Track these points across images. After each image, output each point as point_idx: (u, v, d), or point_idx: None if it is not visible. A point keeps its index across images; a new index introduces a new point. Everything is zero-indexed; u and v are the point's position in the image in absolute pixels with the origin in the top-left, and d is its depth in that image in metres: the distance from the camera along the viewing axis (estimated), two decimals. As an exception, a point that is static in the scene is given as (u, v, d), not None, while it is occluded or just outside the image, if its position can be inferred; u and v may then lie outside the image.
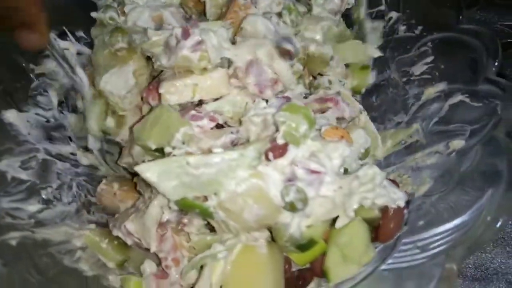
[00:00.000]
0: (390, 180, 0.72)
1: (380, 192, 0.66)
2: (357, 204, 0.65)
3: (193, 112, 0.71)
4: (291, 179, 0.63)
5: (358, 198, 0.66)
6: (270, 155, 0.63)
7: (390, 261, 0.64)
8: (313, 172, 0.64)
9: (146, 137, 0.69)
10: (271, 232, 0.67)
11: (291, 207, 0.63)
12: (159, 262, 0.68)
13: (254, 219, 0.64)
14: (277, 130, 0.65)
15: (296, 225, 0.64)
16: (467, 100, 0.74)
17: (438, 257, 0.58)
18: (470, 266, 0.90)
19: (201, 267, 0.66)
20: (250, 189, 0.63)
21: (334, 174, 0.64)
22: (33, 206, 0.69)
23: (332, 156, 0.65)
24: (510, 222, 0.94)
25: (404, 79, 0.85)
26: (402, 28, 0.88)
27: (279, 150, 0.63)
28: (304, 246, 0.67)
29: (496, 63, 0.72)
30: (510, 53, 1.16)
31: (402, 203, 0.67)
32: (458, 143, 0.71)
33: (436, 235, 0.62)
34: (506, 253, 0.91)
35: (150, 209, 0.67)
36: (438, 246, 0.60)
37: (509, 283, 0.88)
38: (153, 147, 0.69)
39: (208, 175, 0.63)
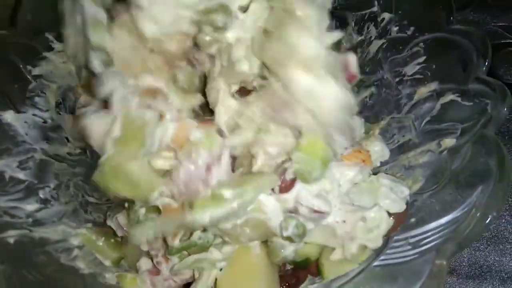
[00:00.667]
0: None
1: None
2: (357, 250, 0.65)
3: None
4: (292, 212, 0.63)
5: (359, 244, 0.65)
6: (276, 188, 0.61)
7: (382, 257, 0.65)
8: (316, 212, 0.63)
9: None
10: None
11: (288, 239, 0.62)
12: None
13: (249, 239, 0.64)
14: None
15: (291, 250, 0.64)
16: (458, 99, 0.75)
17: (429, 253, 0.59)
18: (464, 264, 0.91)
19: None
20: (249, 221, 0.62)
21: (339, 202, 0.64)
22: (30, 205, 0.70)
23: (342, 180, 0.65)
24: (503, 221, 0.96)
25: (397, 79, 0.86)
26: (395, 29, 0.89)
27: (286, 185, 0.61)
28: (299, 263, 0.68)
29: (486, 63, 0.73)
30: (504, 53, 1.18)
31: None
32: (449, 142, 0.72)
33: (427, 231, 0.63)
34: (500, 251, 0.92)
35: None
36: (429, 242, 0.61)
37: (503, 280, 0.89)
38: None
39: None
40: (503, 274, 0.90)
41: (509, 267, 0.90)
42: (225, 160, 0.61)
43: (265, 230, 0.63)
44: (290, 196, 0.62)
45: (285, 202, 0.62)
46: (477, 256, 0.91)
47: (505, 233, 0.93)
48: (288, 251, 0.64)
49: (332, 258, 0.66)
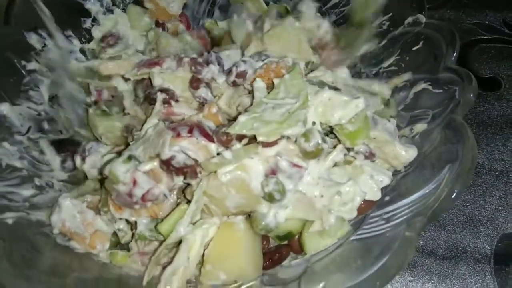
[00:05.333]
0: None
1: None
2: (334, 221, 0.71)
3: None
4: (273, 172, 0.68)
5: (336, 216, 0.71)
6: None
7: (359, 232, 0.70)
8: (295, 165, 0.69)
9: None
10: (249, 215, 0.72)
11: (270, 197, 0.68)
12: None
13: (234, 206, 0.69)
14: None
15: (272, 216, 0.69)
16: (430, 87, 0.80)
17: (400, 227, 0.64)
18: (441, 246, 0.95)
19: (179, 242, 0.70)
20: (233, 180, 0.68)
21: (317, 177, 0.70)
22: (27, 191, 0.73)
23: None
24: (478, 205, 1.01)
25: (374, 71, 0.92)
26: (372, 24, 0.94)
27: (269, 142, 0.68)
28: (282, 237, 0.73)
29: (455, 53, 0.78)
30: (478, 49, 1.24)
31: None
32: (421, 127, 0.77)
33: (399, 207, 0.68)
34: (474, 234, 0.97)
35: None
36: (401, 216, 0.66)
37: (477, 261, 0.93)
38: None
39: None
40: (478, 255, 0.94)
41: (483, 248, 0.95)
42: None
43: (248, 192, 0.68)
44: (272, 151, 0.68)
45: (267, 158, 0.68)
46: (453, 238, 0.96)
47: (479, 217, 0.98)
48: (269, 218, 0.68)
49: (311, 230, 0.71)
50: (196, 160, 0.69)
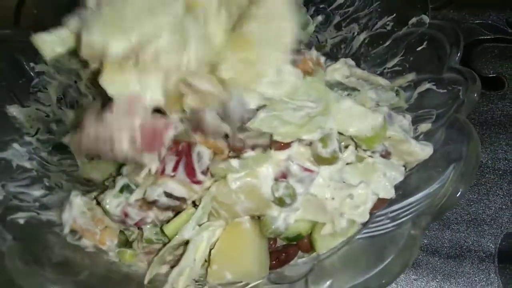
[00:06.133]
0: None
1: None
2: (346, 224, 0.71)
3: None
4: (283, 176, 0.69)
5: (348, 219, 0.71)
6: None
7: (365, 230, 0.70)
8: (307, 170, 0.69)
9: None
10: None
11: (280, 202, 0.68)
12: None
13: (243, 210, 0.70)
14: None
15: (282, 219, 0.70)
16: (434, 87, 0.81)
17: (405, 225, 0.64)
18: (445, 245, 0.96)
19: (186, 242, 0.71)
20: (243, 186, 0.68)
21: (328, 179, 0.71)
22: (37, 192, 0.74)
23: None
24: (482, 204, 1.01)
25: (378, 72, 0.92)
26: (376, 25, 0.95)
27: (282, 144, 0.68)
28: (292, 239, 0.74)
29: (458, 54, 0.78)
30: (481, 49, 1.24)
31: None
32: (425, 126, 0.78)
33: (405, 206, 0.69)
34: (478, 233, 0.97)
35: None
36: (406, 215, 0.66)
37: (481, 259, 0.94)
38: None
39: None
40: (482, 254, 0.95)
41: (487, 247, 0.95)
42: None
43: (259, 197, 0.68)
44: (284, 155, 0.68)
45: (278, 162, 0.68)
46: (457, 237, 0.97)
47: (483, 216, 0.99)
48: (279, 222, 0.69)
49: (323, 233, 0.71)
50: (183, 199, 0.69)
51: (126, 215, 0.71)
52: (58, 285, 0.59)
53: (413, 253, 0.60)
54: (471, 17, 1.29)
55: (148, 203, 0.70)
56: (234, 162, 0.67)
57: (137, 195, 0.71)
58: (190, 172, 0.69)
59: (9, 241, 0.61)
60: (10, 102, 0.79)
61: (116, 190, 0.71)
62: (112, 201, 0.71)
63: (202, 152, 0.69)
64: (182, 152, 0.69)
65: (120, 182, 0.72)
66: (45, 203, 0.74)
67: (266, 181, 0.68)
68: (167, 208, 0.70)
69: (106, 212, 0.72)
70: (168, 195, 0.68)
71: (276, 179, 0.68)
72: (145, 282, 0.70)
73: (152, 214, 0.72)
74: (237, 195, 0.68)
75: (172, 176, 0.68)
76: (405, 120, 0.78)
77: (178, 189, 0.68)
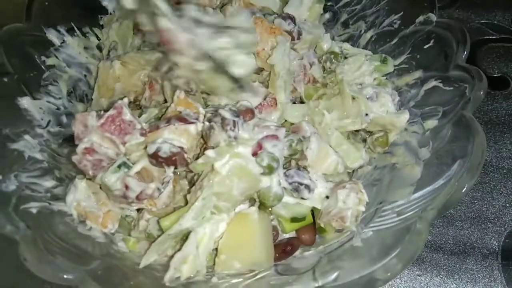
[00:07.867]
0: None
1: None
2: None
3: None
4: (259, 147, 0.72)
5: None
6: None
7: (371, 224, 0.71)
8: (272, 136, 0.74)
9: None
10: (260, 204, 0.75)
11: (269, 168, 0.71)
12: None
13: (241, 192, 0.71)
14: None
15: (276, 184, 0.73)
16: (440, 85, 0.82)
17: (412, 220, 0.65)
18: (449, 242, 0.97)
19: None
20: (232, 169, 0.70)
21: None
22: (48, 182, 0.75)
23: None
24: (485, 202, 1.02)
25: (385, 69, 0.93)
26: (383, 23, 0.96)
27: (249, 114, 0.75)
28: (297, 219, 0.76)
29: (465, 52, 0.79)
30: (487, 49, 1.25)
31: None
32: (432, 123, 0.79)
33: (411, 201, 0.70)
34: (482, 230, 0.98)
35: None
36: (412, 210, 0.68)
37: (484, 256, 0.95)
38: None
39: None
40: (485, 251, 0.96)
41: (491, 244, 0.96)
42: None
43: (249, 174, 0.71)
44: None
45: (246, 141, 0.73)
46: (461, 234, 0.98)
47: (487, 214, 1.00)
48: (275, 187, 0.73)
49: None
50: (181, 147, 0.72)
51: (127, 187, 0.72)
52: (70, 273, 0.60)
53: (418, 247, 0.61)
54: (477, 17, 1.30)
55: (150, 157, 0.72)
56: (210, 153, 0.70)
57: (136, 167, 0.73)
58: (181, 119, 0.74)
59: (23, 229, 0.63)
60: (21, 95, 0.80)
61: (114, 167, 0.73)
62: (112, 176, 0.73)
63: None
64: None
65: (118, 161, 0.74)
66: (56, 194, 0.75)
67: (249, 157, 0.71)
68: (169, 160, 0.72)
69: (107, 188, 0.73)
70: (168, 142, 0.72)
71: (254, 154, 0.72)
72: (140, 266, 0.70)
73: (153, 185, 0.73)
74: (230, 179, 0.70)
75: (167, 125, 0.73)
76: (387, 96, 0.85)
77: (176, 137, 0.73)
